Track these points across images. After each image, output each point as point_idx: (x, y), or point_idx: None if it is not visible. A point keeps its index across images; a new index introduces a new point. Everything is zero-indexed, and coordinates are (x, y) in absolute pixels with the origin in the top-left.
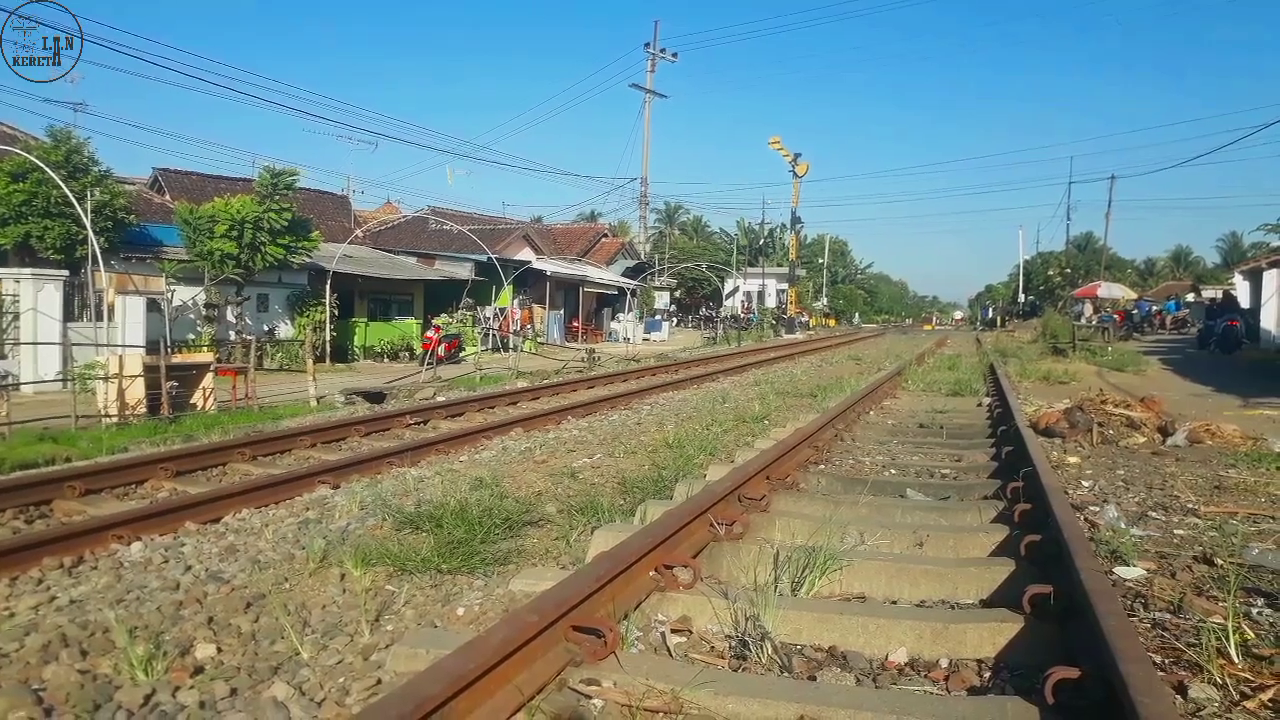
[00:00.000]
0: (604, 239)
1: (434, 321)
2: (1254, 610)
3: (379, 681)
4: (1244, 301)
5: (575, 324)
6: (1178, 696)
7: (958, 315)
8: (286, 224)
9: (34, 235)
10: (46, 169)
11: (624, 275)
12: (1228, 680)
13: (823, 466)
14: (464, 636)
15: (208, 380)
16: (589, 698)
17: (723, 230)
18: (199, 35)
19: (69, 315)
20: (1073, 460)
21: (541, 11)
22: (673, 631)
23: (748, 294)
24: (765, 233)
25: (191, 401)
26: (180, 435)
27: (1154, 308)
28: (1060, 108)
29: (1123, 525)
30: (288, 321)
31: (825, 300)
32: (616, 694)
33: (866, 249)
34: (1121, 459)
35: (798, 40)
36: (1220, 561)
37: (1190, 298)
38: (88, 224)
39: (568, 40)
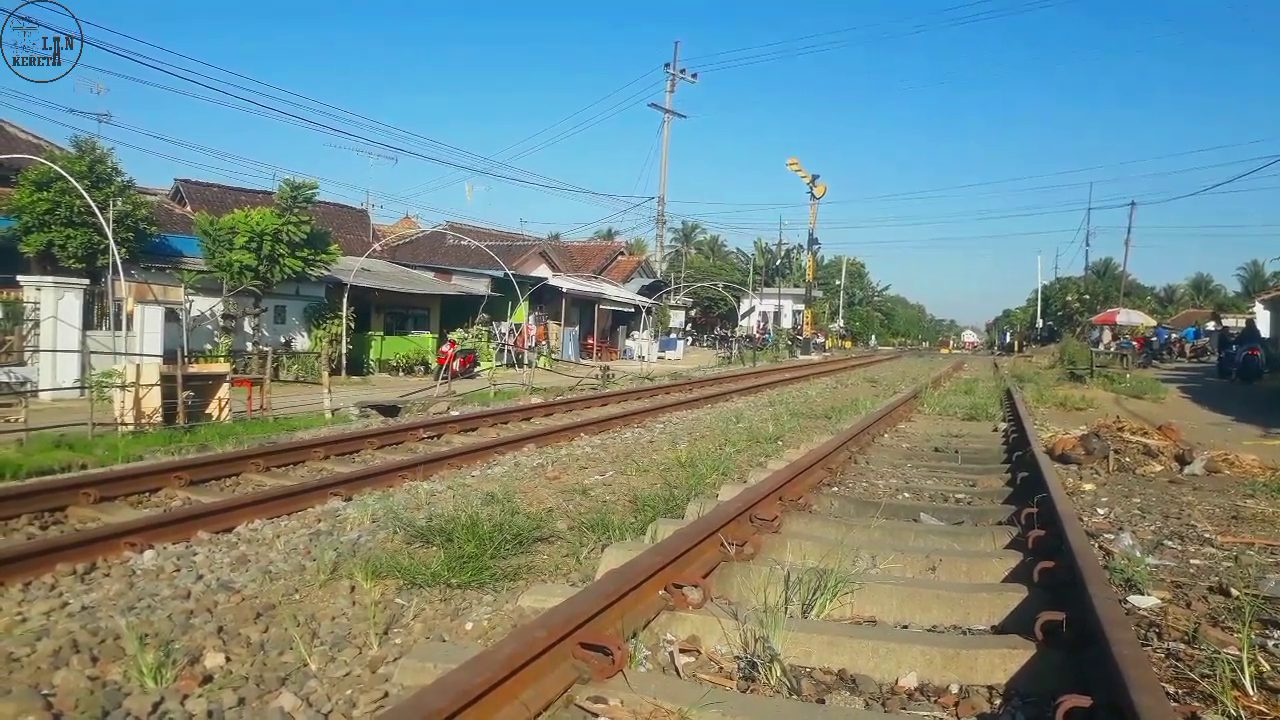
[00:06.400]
0: (620, 257)
1: (449, 336)
2: (1270, 642)
3: (386, 695)
4: (1265, 330)
5: (590, 341)
6: None
7: (969, 339)
8: (305, 237)
9: (56, 244)
10: (70, 178)
11: (640, 293)
12: (1242, 713)
13: (836, 488)
14: (472, 651)
15: (223, 390)
16: (595, 715)
17: (739, 250)
18: (221, 49)
19: (88, 323)
20: (1088, 487)
21: (562, 31)
22: (681, 651)
23: (763, 314)
24: (782, 253)
25: (207, 411)
26: (195, 444)
27: (1173, 335)
28: (1080, 134)
29: (1138, 553)
30: (304, 334)
31: (841, 322)
32: (623, 712)
33: (884, 271)
34: (1138, 487)
35: (817, 63)
36: (1236, 592)
37: (1211, 326)
38: (109, 233)
39: (588, 60)
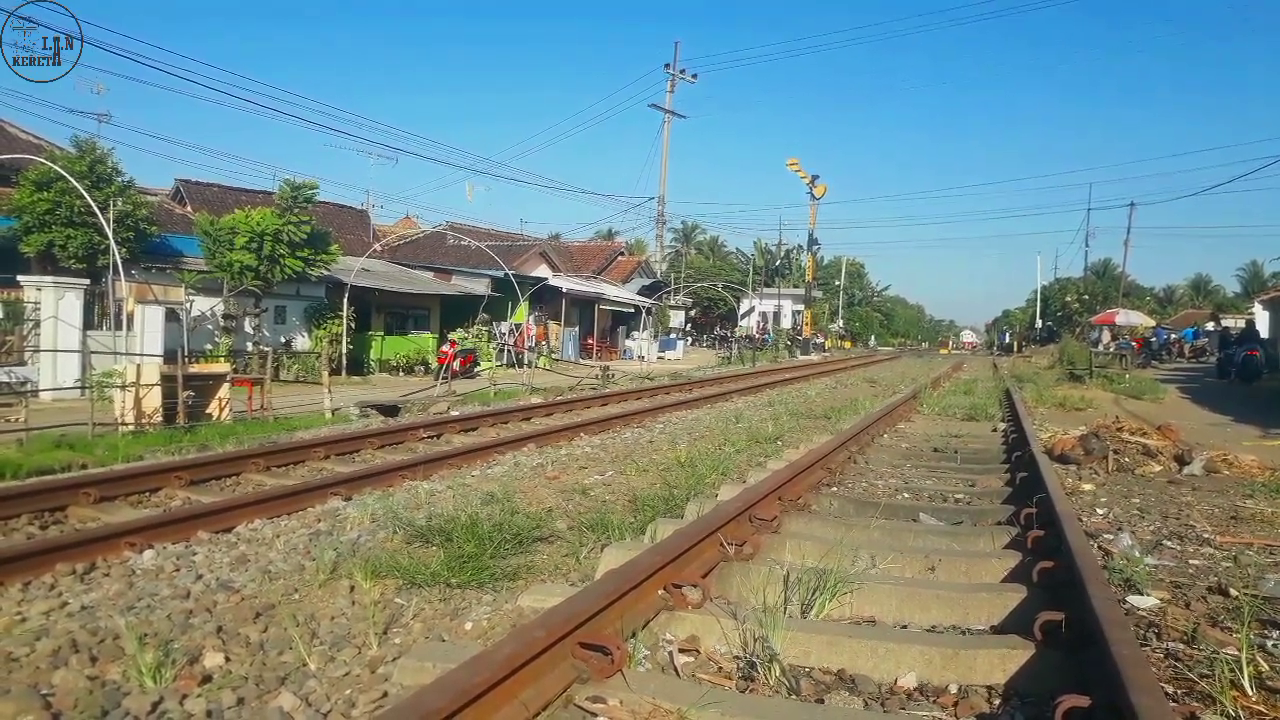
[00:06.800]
0: (620, 257)
1: (449, 336)
2: (1269, 643)
3: (385, 694)
4: (1264, 331)
5: (590, 341)
6: None
7: (967, 339)
8: (305, 237)
9: (57, 244)
10: (70, 178)
11: (640, 293)
12: (1241, 713)
13: (835, 488)
14: (471, 651)
15: (224, 390)
16: (595, 715)
17: (739, 250)
18: (221, 49)
19: (89, 323)
20: (1087, 487)
21: (562, 31)
22: (680, 651)
23: (763, 314)
24: (782, 254)
25: (207, 411)
26: (195, 444)
27: (1172, 336)
28: (1081, 134)
29: (1137, 554)
30: (305, 334)
31: (841, 322)
32: (622, 712)
33: (883, 272)
34: (1137, 487)
35: (819, 63)
36: (1235, 592)
37: (1210, 326)
38: (109, 234)
39: (588, 60)
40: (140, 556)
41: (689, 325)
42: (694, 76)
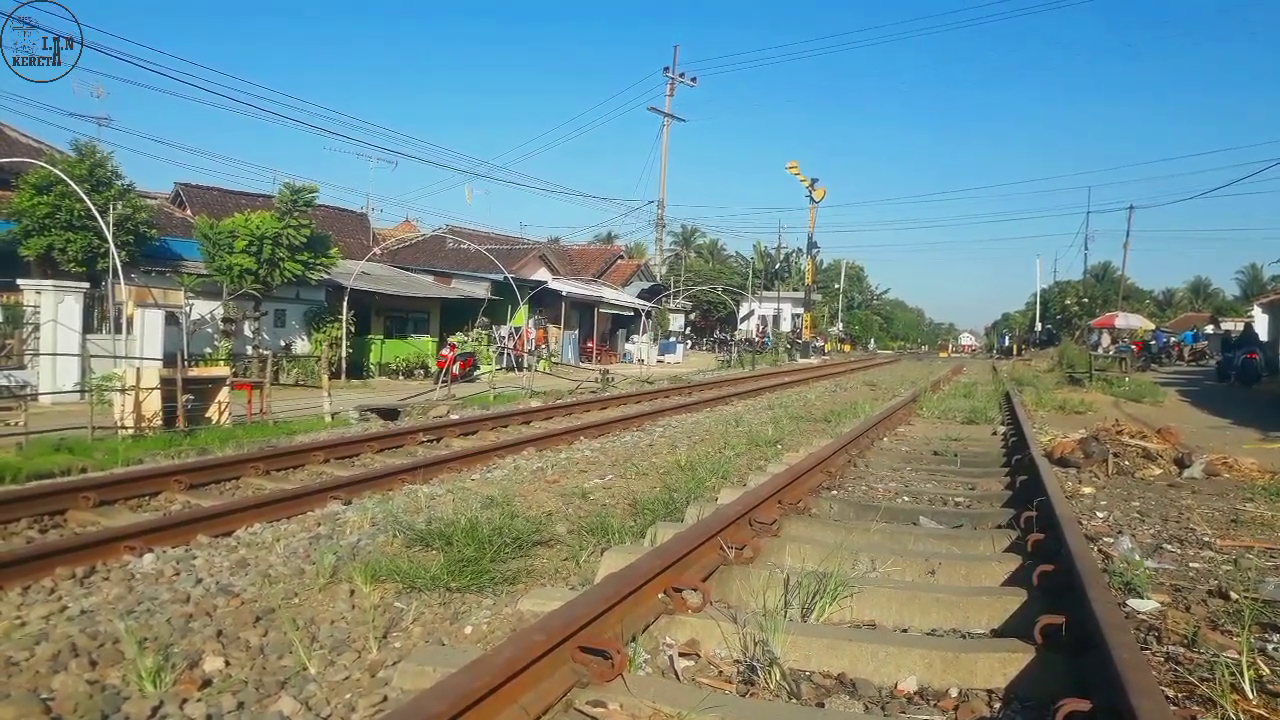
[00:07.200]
0: (620, 260)
1: (449, 340)
2: (1270, 646)
3: (385, 698)
4: (1263, 334)
5: (590, 344)
6: None
7: (966, 342)
8: (305, 240)
9: (56, 247)
10: (70, 182)
11: (639, 297)
12: (1241, 716)
13: (835, 492)
14: (471, 655)
15: (223, 394)
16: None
17: (739, 254)
18: (220, 51)
19: (88, 327)
20: (1087, 491)
21: (562, 33)
22: (681, 655)
23: (763, 318)
24: (781, 257)
25: (207, 415)
26: (195, 448)
27: (1172, 339)
28: (1079, 137)
29: (1137, 557)
30: (304, 337)
31: (841, 325)
32: (622, 716)
33: (883, 275)
34: (1137, 490)
35: (817, 66)
36: (1236, 596)
37: (1209, 329)
38: (109, 237)
39: (588, 62)
40: (140, 560)
41: (688, 329)
42: (694, 80)
